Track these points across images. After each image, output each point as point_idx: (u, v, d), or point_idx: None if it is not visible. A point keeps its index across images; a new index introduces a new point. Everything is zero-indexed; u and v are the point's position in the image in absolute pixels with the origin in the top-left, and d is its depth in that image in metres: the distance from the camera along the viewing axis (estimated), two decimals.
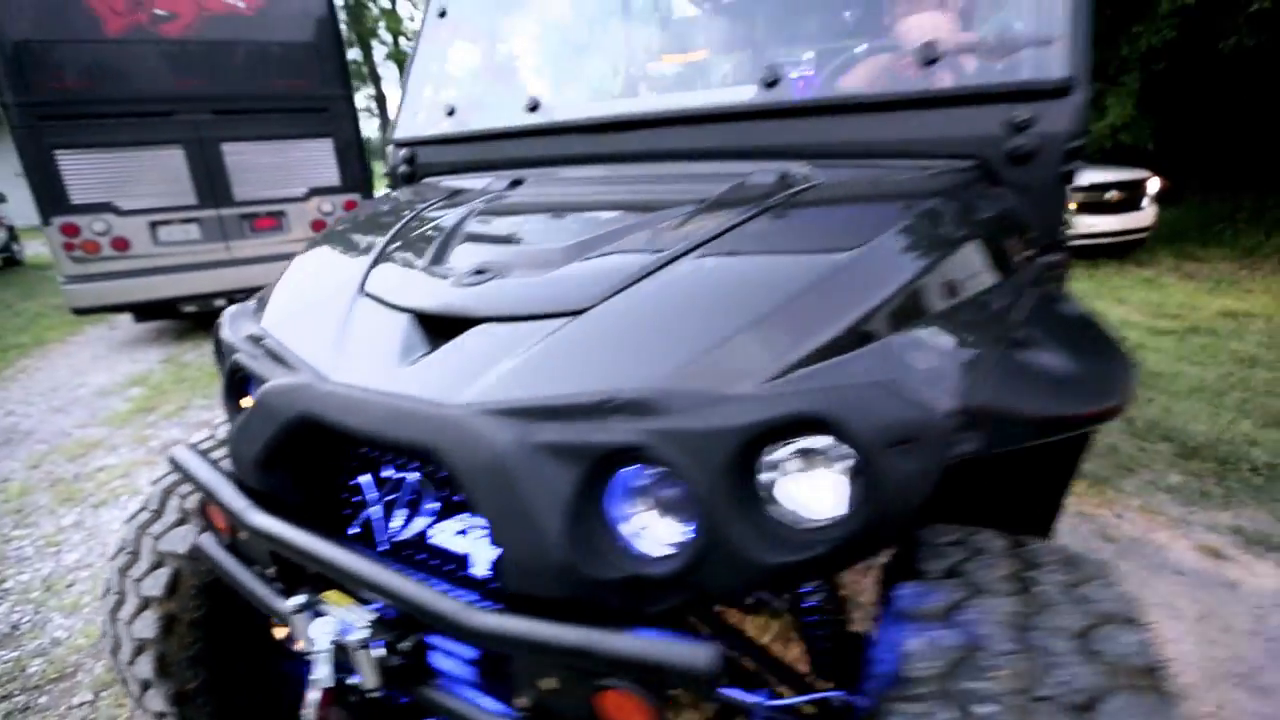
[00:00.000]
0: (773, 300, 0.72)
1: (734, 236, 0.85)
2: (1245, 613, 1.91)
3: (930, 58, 0.95)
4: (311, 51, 5.45)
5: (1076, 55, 0.88)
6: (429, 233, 1.10)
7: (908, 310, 0.74)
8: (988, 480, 1.02)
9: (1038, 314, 0.83)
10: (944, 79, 0.97)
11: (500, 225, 1.12)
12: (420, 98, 1.57)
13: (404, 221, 1.19)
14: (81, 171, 5.01)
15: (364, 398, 0.80)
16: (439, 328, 0.87)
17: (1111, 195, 6.97)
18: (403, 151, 1.56)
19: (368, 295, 0.99)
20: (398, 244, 1.11)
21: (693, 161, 1.15)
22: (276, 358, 0.97)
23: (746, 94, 1.11)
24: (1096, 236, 6.94)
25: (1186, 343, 4.47)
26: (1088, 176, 7.05)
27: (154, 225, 5.26)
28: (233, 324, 1.11)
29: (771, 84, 1.07)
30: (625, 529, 0.72)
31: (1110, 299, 5.75)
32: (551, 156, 1.33)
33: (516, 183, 1.32)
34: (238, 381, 1.05)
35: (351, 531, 0.98)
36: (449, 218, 1.13)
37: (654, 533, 0.72)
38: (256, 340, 1.03)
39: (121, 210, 5.16)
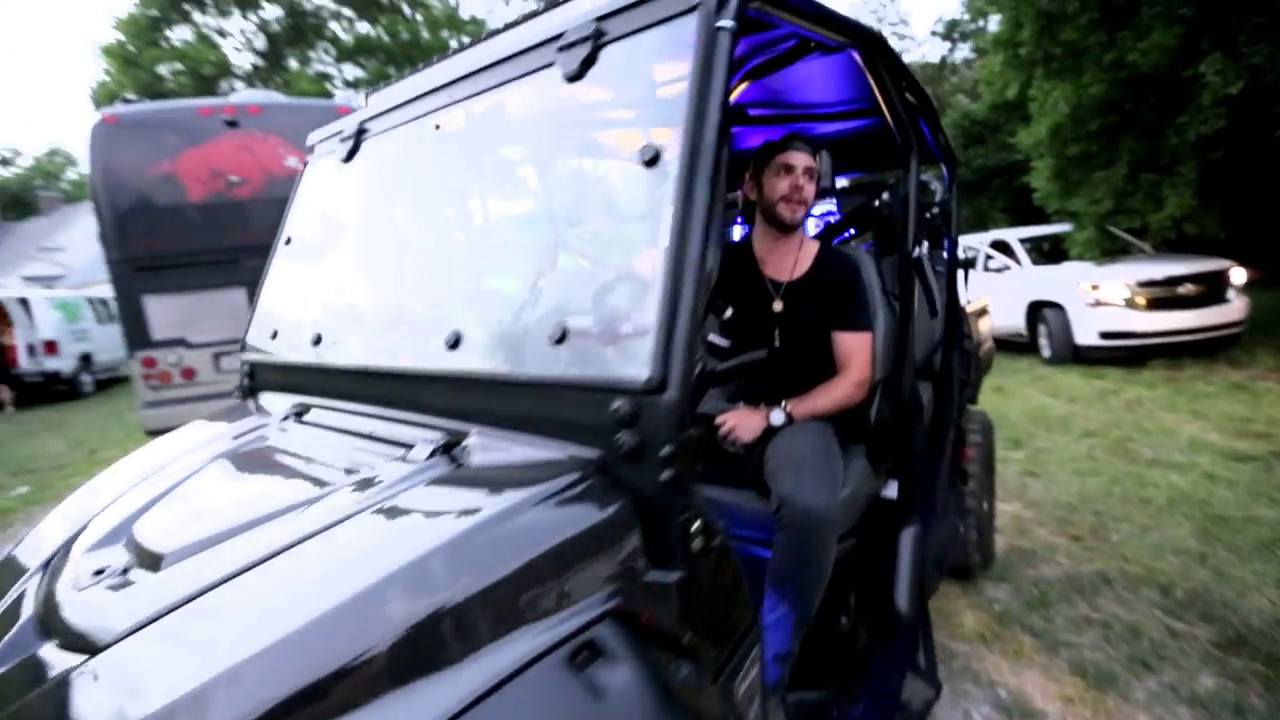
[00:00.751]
0: (230, 661, 0.62)
1: (313, 546, 0.79)
2: None
3: (558, 338, 0.91)
4: None
5: (671, 357, 0.80)
6: (149, 489, 1.13)
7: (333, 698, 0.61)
8: None
9: (561, 696, 0.68)
10: (567, 364, 0.91)
11: (195, 492, 1.12)
12: (262, 317, 1.69)
13: (159, 469, 1.23)
14: (162, 312, 5.82)
15: None
16: (43, 633, 0.85)
17: (1187, 289, 6.30)
18: (245, 365, 1.67)
19: (44, 569, 1.00)
20: (121, 500, 1.14)
21: (416, 414, 1.13)
22: None
23: (433, 359, 1.10)
24: (1171, 335, 6.23)
25: (1271, 473, 3.77)
26: (1158, 269, 6.44)
27: (217, 356, 5.94)
28: None
29: (453, 346, 1.06)
30: None
31: (1185, 411, 5.03)
32: (333, 390, 1.37)
33: (301, 413, 1.36)
34: None
35: None
36: (181, 467, 1.16)
37: None
38: None
39: (191, 344, 5.90)
